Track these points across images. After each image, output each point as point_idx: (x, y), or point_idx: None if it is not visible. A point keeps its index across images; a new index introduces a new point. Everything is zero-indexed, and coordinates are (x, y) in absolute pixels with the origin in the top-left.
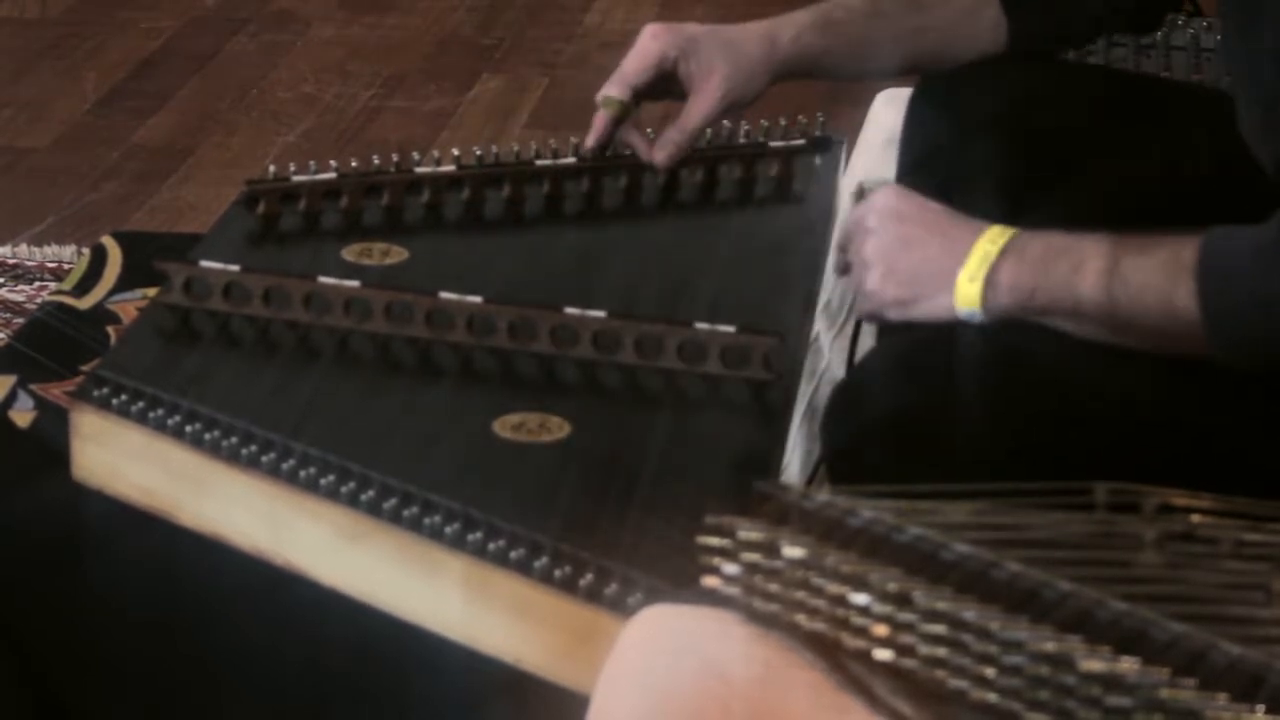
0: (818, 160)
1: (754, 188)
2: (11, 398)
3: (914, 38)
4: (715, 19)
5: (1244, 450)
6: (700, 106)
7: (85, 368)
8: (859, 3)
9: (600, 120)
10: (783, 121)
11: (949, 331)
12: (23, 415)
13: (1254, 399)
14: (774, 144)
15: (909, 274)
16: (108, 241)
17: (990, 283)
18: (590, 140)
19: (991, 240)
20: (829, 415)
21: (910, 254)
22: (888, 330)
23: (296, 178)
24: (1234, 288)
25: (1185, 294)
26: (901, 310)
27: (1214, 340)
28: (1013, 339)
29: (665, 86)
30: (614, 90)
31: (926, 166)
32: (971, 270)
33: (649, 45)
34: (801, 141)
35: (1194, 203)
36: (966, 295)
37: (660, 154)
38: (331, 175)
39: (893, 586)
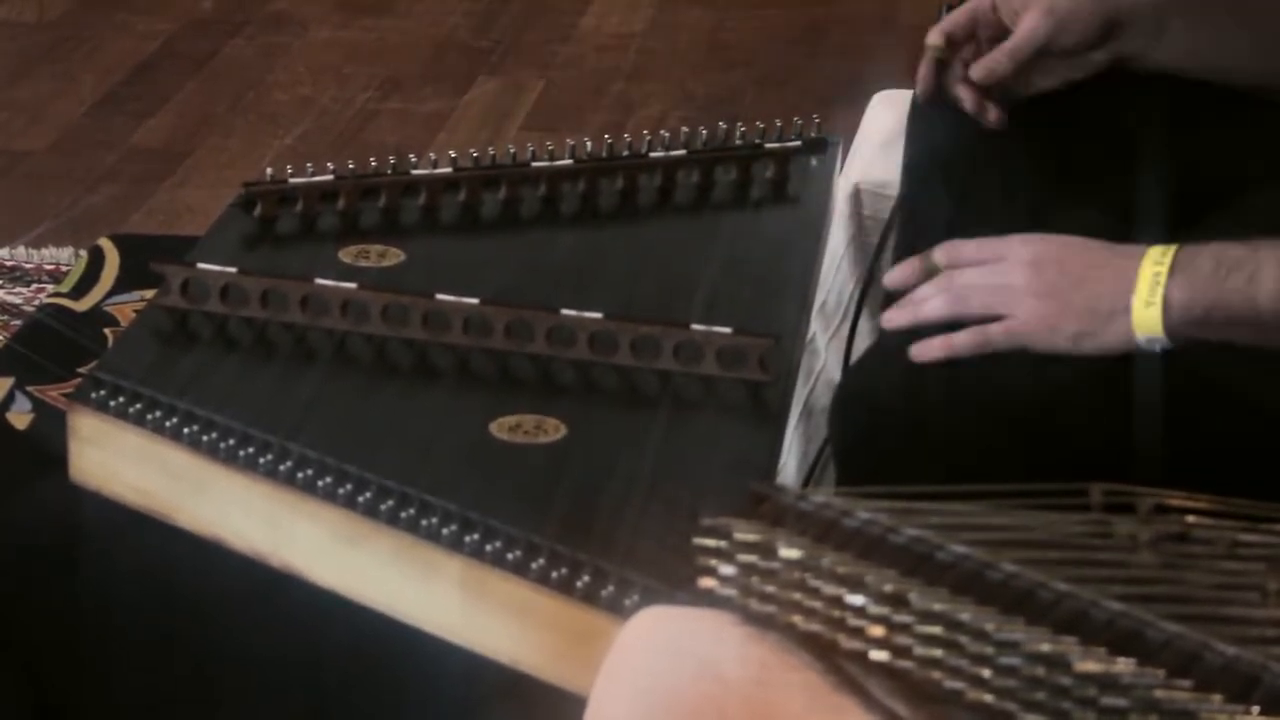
0: (814, 161)
1: (750, 189)
2: (9, 399)
3: None
4: (712, 21)
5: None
6: (1025, 29)
7: (83, 369)
8: None
9: (923, 70)
10: (779, 123)
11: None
12: (20, 417)
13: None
14: (770, 145)
15: (1085, 308)
16: (105, 244)
17: (1166, 305)
18: (919, 90)
19: (1156, 261)
20: (838, 408)
21: (1082, 289)
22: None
23: (294, 180)
24: None
25: None
26: (1079, 342)
27: None
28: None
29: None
30: (933, 36)
31: (935, 168)
32: (1145, 296)
33: None
34: (797, 143)
35: (1212, 202)
36: (1144, 321)
37: (978, 70)
38: (328, 177)
39: (889, 587)
